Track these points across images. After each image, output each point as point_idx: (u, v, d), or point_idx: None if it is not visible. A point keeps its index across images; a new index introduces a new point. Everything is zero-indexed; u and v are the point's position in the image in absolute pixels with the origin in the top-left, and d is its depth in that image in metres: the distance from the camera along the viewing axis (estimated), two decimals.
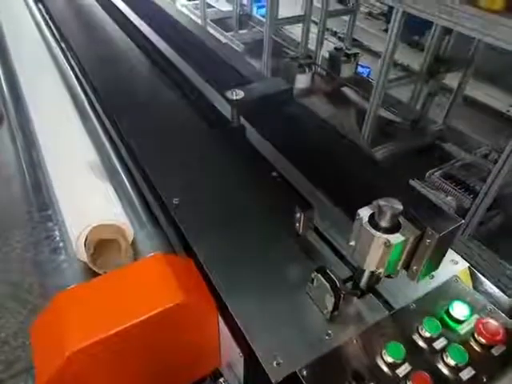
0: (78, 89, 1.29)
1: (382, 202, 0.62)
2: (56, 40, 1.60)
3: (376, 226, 0.63)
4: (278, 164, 0.86)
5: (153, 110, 1.17)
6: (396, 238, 0.61)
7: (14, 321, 1.65)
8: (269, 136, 0.88)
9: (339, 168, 0.82)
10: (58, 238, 0.80)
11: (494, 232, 2.22)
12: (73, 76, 1.37)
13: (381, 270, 0.66)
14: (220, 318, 0.78)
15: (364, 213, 0.65)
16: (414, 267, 0.66)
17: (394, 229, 0.62)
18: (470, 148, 2.83)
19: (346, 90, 3.54)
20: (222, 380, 0.80)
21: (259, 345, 0.66)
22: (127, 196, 0.93)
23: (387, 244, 0.61)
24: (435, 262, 0.67)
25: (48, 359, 0.63)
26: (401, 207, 0.61)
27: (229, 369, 0.84)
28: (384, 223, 0.62)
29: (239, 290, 0.74)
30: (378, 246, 0.62)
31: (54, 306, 0.67)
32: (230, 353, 0.78)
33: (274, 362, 0.63)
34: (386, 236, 0.61)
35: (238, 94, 0.88)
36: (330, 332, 0.68)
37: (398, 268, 0.67)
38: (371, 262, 0.64)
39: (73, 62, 1.43)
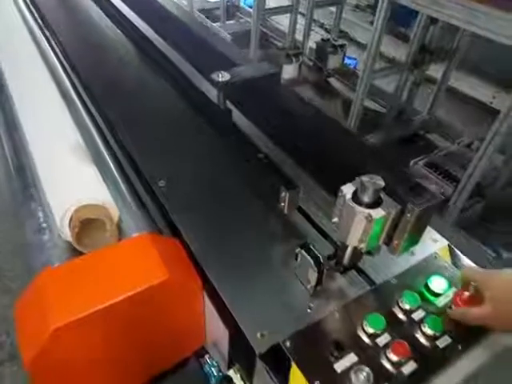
0: (60, 71, 1.27)
1: (364, 178, 0.63)
2: (39, 26, 1.57)
3: (358, 202, 0.64)
4: (264, 146, 0.87)
5: (138, 94, 1.16)
6: (377, 213, 0.63)
7: None
8: (255, 118, 0.88)
9: (325, 149, 0.83)
10: (41, 219, 0.80)
11: (474, 219, 2.28)
12: (55, 59, 1.34)
13: (363, 245, 0.67)
14: (205, 295, 0.79)
15: (347, 189, 0.66)
16: (395, 242, 0.68)
17: (375, 204, 0.64)
18: (453, 138, 2.88)
19: (333, 81, 3.56)
20: (207, 357, 0.81)
21: (243, 318, 0.67)
22: (112, 178, 0.92)
23: (369, 218, 0.63)
24: (415, 237, 0.69)
25: (33, 336, 0.63)
26: (383, 183, 0.63)
27: (214, 346, 0.85)
28: (366, 199, 0.64)
29: (224, 266, 0.75)
30: (360, 221, 0.64)
31: (38, 284, 0.67)
32: (215, 329, 0.79)
33: (258, 334, 0.65)
34: (367, 211, 0.63)
35: (223, 76, 0.88)
36: (312, 305, 0.70)
37: (380, 243, 0.69)
38: (353, 237, 0.66)
39: (55, 47, 1.41)
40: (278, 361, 0.64)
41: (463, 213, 2.21)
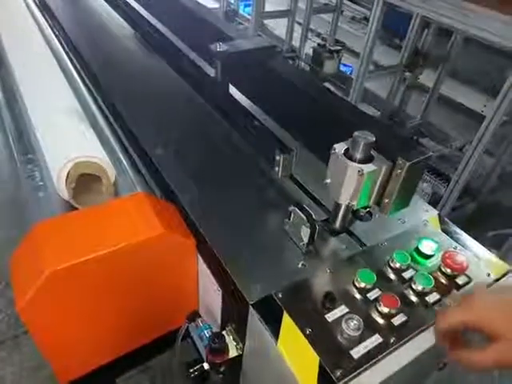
0: (57, 44, 1.30)
1: (356, 133, 0.65)
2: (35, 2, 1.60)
3: (350, 158, 0.66)
4: (259, 114, 0.89)
5: (135, 67, 1.18)
6: (368, 168, 0.65)
7: None
8: (250, 88, 0.90)
9: (319, 118, 0.85)
10: (38, 179, 0.80)
11: (464, 218, 2.31)
12: (52, 33, 1.37)
13: (354, 203, 0.69)
14: (199, 258, 0.80)
15: (339, 147, 0.68)
16: (386, 200, 0.69)
17: (367, 160, 0.66)
18: (445, 143, 2.93)
19: (328, 85, 3.62)
20: (199, 320, 0.81)
21: (237, 273, 0.68)
22: (109, 146, 0.94)
23: (360, 173, 0.64)
24: (406, 196, 0.70)
25: (27, 282, 0.63)
26: (373, 138, 0.65)
27: (207, 309, 0.85)
28: (358, 154, 0.65)
29: (219, 226, 0.75)
30: (352, 176, 0.65)
31: (33, 234, 0.68)
32: (209, 290, 0.80)
33: (251, 287, 0.66)
34: (359, 165, 0.65)
35: (221, 47, 0.90)
36: (304, 263, 0.71)
37: (371, 203, 0.71)
38: (346, 194, 0.68)
39: (50, 20, 1.43)
40: (270, 312, 0.64)
41: (454, 212, 2.24)
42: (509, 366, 0.51)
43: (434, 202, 2.34)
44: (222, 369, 0.74)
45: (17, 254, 0.68)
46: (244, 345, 0.74)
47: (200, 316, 0.82)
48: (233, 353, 0.74)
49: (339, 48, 3.52)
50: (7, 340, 1.42)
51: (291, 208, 0.72)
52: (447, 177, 2.43)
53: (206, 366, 0.74)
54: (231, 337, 0.76)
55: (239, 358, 0.75)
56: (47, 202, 0.77)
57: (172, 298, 0.83)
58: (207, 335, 0.78)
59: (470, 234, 0.86)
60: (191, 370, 0.73)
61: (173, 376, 0.82)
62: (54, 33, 1.39)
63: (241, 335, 0.74)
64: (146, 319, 0.82)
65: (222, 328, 0.80)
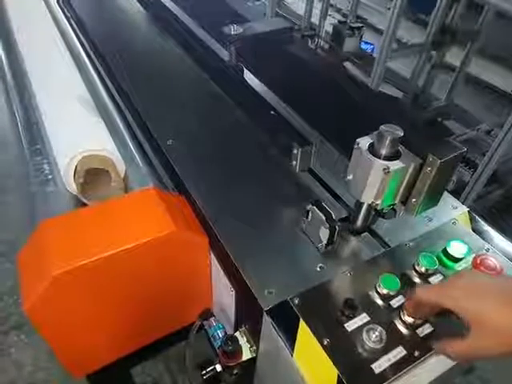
0: (69, 29, 1.26)
1: (383, 127, 0.59)
2: None
3: (375, 154, 0.60)
4: (276, 103, 0.83)
5: (148, 53, 1.13)
6: (395, 165, 0.59)
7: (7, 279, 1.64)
8: (267, 74, 0.84)
9: (341, 107, 0.79)
10: (47, 172, 0.78)
11: (491, 206, 2.21)
12: (63, 17, 1.32)
13: (378, 202, 0.63)
14: (212, 256, 0.76)
15: (363, 142, 0.62)
16: (413, 200, 0.64)
17: (393, 156, 0.60)
18: (473, 125, 2.79)
19: (348, 65, 3.47)
20: (212, 319, 0.79)
21: (251, 276, 0.64)
22: (119, 136, 0.90)
23: (386, 170, 0.59)
24: (435, 196, 0.64)
25: (34, 284, 0.61)
26: (401, 133, 0.59)
27: (220, 308, 0.83)
28: (384, 150, 0.60)
29: (233, 224, 0.72)
30: (376, 174, 0.60)
31: (39, 233, 0.65)
32: (222, 290, 0.77)
33: (266, 291, 0.62)
34: (385, 162, 0.59)
35: (236, 30, 0.84)
36: (323, 265, 0.67)
37: (396, 201, 0.65)
38: (369, 193, 0.62)
39: (62, 4, 1.39)
40: (285, 319, 0.61)
41: (480, 200, 2.14)
42: (479, 358, 0.50)
43: (457, 188, 2.23)
44: (235, 371, 0.72)
45: (23, 253, 0.66)
46: (258, 347, 0.71)
47: (213, 315, 0.80)
48: (246, 355, 0.71)
49: (360, 25, 3.36)
50: (25, 324, 1.45)
51: (309, 207, 0.67)
52: (473, 162, 2.32)
53: (218, 368, 0.72)
54: (245, 338, 0.73)
55: (253, 360, 0.72)
56: (56, 197, 0.75)
57: (185, 296, 0.81)
58: (220, 336, 0.75)
59: (497, 225, 0.80)
60: (203, 372, 0.71)
61: (187, 369, 0.79)
62: (66, 16, 1.34)
63: (255, 337, 0.71)
64: (158, 317, 0.80)
65: (236, 328, 0.77)
